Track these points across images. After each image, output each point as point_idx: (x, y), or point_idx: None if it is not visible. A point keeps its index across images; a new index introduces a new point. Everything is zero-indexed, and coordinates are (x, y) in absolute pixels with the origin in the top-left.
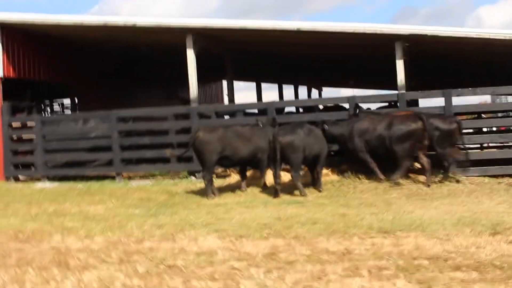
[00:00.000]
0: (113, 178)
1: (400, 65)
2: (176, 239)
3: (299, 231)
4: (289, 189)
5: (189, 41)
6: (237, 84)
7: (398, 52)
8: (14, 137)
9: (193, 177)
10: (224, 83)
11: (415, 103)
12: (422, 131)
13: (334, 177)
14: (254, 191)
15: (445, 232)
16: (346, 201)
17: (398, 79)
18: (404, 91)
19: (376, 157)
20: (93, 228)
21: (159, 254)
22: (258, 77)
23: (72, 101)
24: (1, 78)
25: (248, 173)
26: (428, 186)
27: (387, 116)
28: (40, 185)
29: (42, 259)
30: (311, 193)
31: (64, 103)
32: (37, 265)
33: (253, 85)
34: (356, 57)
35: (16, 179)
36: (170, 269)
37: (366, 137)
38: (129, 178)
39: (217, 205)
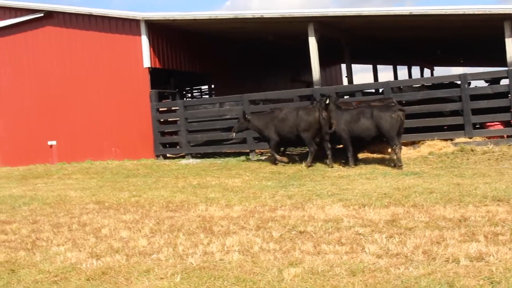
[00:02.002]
0: (247, 154)
1: (509, 43)
2: (305, 207)
3: (417, 200)
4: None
5: (310, 29)
6: (353, 67)
7: (507, 31)
8: (161, 119)
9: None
10: (342, 66)
11: None
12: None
13: (449, 149)
14: (373, 163)
15: None
16: (460, 172)
17: (508, 56)
18: None
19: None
20: (232, 198)
21: (291, 221)
22: (374, 60)
23: (209, 87)
24: (148, 68)
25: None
26: None
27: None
28: (184, 161)
29: (190, 225)
30: (427, 164)
31: (202, 89)
32: (186, 231)
33: (368, 67)
34: (466, 36)
35: (164, 157)
36: (301, 235)
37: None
38: (261, 154)
39: (340, 177)
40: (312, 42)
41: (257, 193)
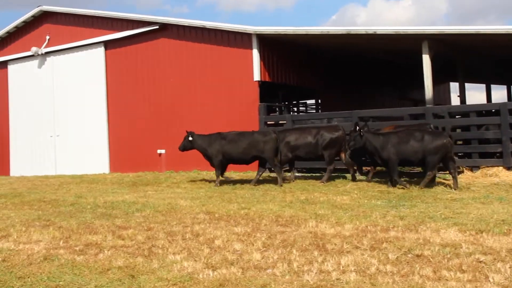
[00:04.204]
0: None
1: None
2: (418, 230)
3: None
4: None
5: (424, 47)
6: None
7: None
8: None
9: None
10: (451, 85)
11: None
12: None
13: None
14: (487, 187)
15: None
16: None
17: None
18: None
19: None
20: (342, 216)
21: (406, 243)
22: (487, 79)
23: (316, 102)
24: (258, 81)
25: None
26: None
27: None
28: (290, 175)
29: (302, 241)
30: None
31: (308, 104)
32: (299, 247)
33: (474, 86)
34: None
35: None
36: (418, 258)
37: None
38: (368, 171)
39: (453, 200)
40: (426, 60)
41: (367, 212)
